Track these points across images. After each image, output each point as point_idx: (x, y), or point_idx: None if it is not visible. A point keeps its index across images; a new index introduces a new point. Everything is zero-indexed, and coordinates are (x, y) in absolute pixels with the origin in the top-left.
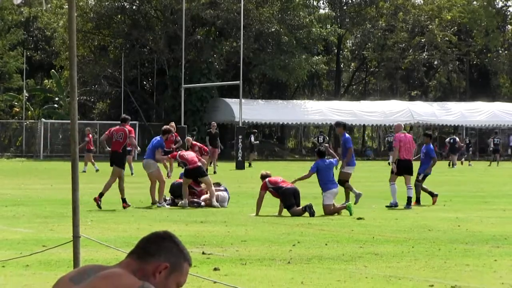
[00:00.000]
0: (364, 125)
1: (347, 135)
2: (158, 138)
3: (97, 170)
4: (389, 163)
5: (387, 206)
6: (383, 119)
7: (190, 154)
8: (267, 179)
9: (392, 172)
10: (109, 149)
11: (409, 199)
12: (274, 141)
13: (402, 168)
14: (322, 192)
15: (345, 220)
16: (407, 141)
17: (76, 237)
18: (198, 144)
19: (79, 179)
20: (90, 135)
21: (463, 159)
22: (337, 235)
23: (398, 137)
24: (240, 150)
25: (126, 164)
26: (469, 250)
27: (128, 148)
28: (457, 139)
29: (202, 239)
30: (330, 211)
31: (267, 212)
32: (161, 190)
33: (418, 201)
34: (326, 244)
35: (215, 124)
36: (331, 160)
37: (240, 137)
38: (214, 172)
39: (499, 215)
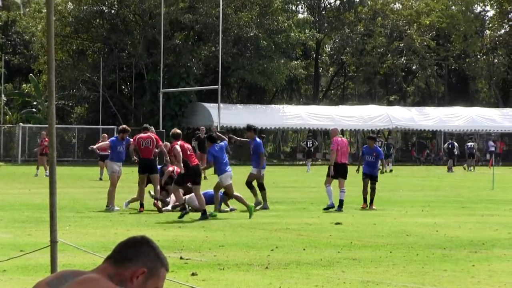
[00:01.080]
0: (342, 130)
1: (258, 139)
2: (113, 138)
3: (47, 175)
4: (357, 170)
5: (324, 209)
6: (362, 124)
7: (144, 140)
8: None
9: (328, 175)
10: (135, 158)
11: (341, 202)
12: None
13: (338, 171)
14: (218, 176)
15: (323, 225)
16: (344, 145)
17: (53, 242)
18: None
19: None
20: (47, 139)
21: (465, 164)
22: (315, 240)
23: (336, 140)
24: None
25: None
26: (447, 255)
27: (106, 153)
28: (456, 144)
29: (180, 244)
30: (232, 190)
31: (242, 216)
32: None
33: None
34: (304, 249)
35: (204, 129)
36: (221, 144)
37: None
38: (205, 178)
39: (477, 221)
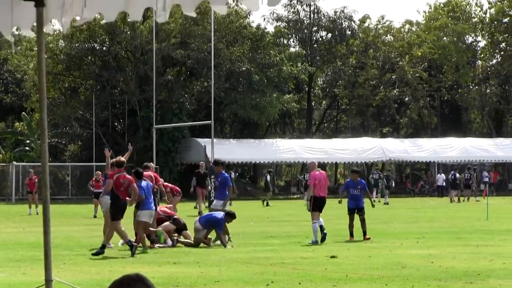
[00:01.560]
0: (336, 162)
1: (225, 173)
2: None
3: (36, 213)
4: (339, 201)
5: (309, 244)
6: (355, 157)
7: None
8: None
9: (308, 210)
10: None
11: (321, 227)
12: (247, 180)
13: (316, 204)
14: (139, 211)
15: (319, 259)
16: (322, 178)
17: (48, 281)
18: (169, 185)
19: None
20: (35, 176)
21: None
22: (311, 274)
23: (313, 175)
24: (212, 190)
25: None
26: (442, 286)
27: (100, 190)
28: (457, 175)
29: (175, 281)
30: (142, 229)
31: (237, 251)
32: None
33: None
34: (299, 283)
35: (204, 164)
36: (148, 182)
37: (212, 177)
38: (199, 213)
39: (471, 251)
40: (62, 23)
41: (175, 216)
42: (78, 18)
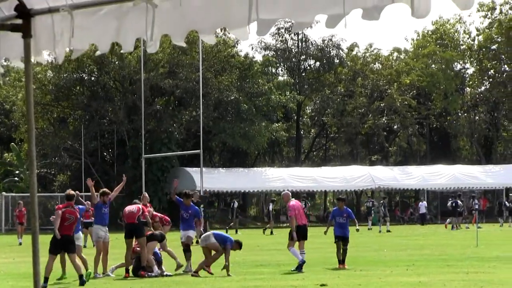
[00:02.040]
0: (325, 191)
1: (195, 206)
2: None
3: (20, 244)
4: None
5: (296, 269)
6: (344, 185)
7: (129, 208)
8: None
9: (291, 239)
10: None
11: (302, 263)
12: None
13: (300, 233)
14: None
15: (309, 287)
16: (299, 207)
17: None
18: (159, 214)
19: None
20: (24, 208)
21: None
22: None
23: (293, 206)
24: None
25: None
26: None
27: (89, 220)
28: (459, 202)
29: None
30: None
31: (228, 280)
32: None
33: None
34: None
35: (198, 194)
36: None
37: (202, 206)
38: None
39: (462, 278)
40: (57, 54)
41: (148, 233)
42: (70, 49)
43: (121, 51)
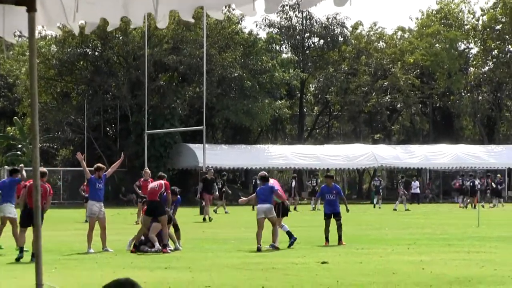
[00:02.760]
0: (328, 169)
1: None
2: (92, 176)
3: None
4: (313, 209)
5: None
6: (347, 163)
7: (152, 184)
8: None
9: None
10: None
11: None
12: (238, 186)
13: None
14: None
15: (310, 265)
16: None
17: (39, 285)
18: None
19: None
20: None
21: (483, 202)
22: (302, 280)
23: (276, 183)
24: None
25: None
26: None
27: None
28: (476, 181)
29: (166, 286)
30: None
31: (228, 256)
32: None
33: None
34: None
35: (212, 170)
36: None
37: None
38: (210, 219)
39: (463, 258)
40: (71, 26)
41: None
42: (85, 22)
43: (131, 26)
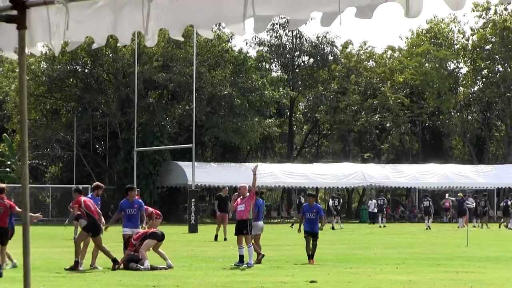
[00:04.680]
0: (317, 187)
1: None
2: (89, 195)
3: None
4: (298, 230)
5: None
6: (336, 182)
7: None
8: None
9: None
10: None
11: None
12: (228, 204)
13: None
14: None
15: (298, 284)
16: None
17: None
18: (150, 208)
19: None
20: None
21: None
22: None
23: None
24: (193, 213)
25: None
26: None
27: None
28: (509, 202)
29: None
30: None
31: (216, 275)
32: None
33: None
34: None
35: (227, 189)
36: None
37: (193, 200)
38: (225, 239)
39: (451, 278)
40: (53, 46)
41: (152, 230)
42: (65, 41)
43: (118, 44)
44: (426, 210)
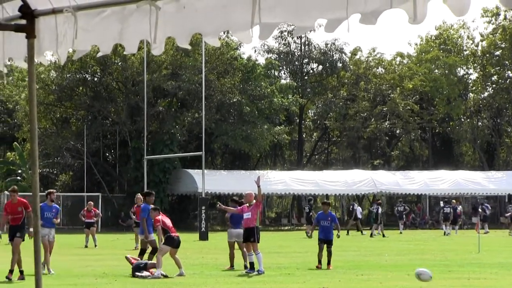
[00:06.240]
0: (327, 194)
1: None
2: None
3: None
4: (310, 235)
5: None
6: (346, 189)
7: (169, 221)
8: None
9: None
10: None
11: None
12: None
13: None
14: None
15: None
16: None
17: None
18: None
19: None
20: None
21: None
22: None
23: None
24: (203, 221)
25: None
26: None
27: (91, 220)
28: (489, 206)
29: None
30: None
31: (226, 281)
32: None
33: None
34: None
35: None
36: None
37: (203, 207)
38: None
39: (463, 284)
40: (59, 55)
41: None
42: (73, 50)
43: (124, 53)
44: (446, 216)
